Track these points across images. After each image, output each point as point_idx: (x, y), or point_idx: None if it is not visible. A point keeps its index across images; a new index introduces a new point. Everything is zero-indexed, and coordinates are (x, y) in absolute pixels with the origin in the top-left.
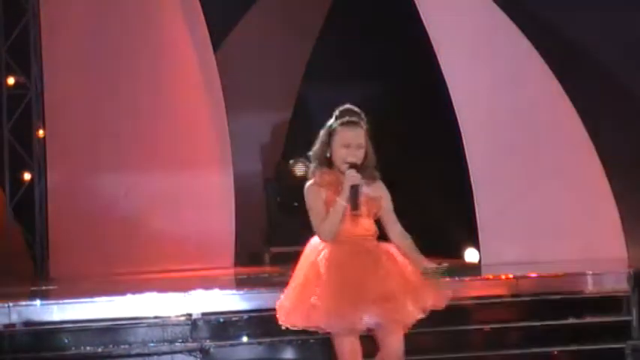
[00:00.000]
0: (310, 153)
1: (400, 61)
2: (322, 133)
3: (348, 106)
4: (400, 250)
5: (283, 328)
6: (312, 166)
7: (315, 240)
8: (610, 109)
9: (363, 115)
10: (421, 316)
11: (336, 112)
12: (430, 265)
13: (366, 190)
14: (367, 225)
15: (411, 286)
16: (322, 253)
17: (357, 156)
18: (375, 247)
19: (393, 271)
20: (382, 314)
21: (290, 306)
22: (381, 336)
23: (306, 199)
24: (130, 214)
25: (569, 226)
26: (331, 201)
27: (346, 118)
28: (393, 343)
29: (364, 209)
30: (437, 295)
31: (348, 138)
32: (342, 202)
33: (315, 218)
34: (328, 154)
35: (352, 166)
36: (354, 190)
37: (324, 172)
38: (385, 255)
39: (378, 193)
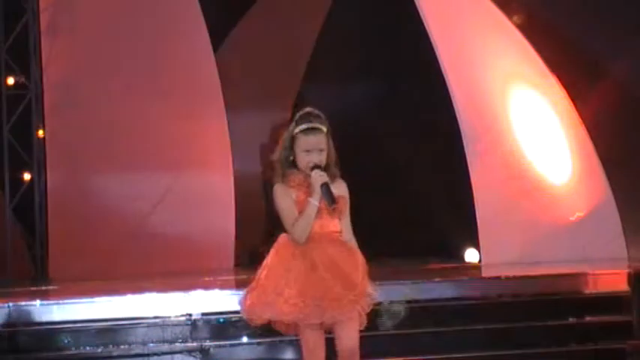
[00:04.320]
0: (273, 157)
1: (400, 60)
2: (284, 137)
3: (307, 109)
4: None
5: (250, 321)
6: (278, 168)
7: (284, 237)
8: (610, 109)
9: (323, 118)
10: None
11: (297, 117)
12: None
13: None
14: (334, 224)
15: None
16: (293, 249)
17: (319, 159)
18: (344, 244)
19: (357, 268)
20: (344, 306)
21: (259, 299)
22: (338, 331)
23: (275, 200)
24: (130, 214)
25: (569, 226)
26: (301, 201)
27: (305, 125)
28: (349, 338)
29: (334, 211)
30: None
31: (308, 144)
32: (314, 202)
33: (286, 218)
34: (292, 158)
35: (315, 167)
36: (326, 186)
37: (291, 174)
38: (353, 253)
39: (340, 191)
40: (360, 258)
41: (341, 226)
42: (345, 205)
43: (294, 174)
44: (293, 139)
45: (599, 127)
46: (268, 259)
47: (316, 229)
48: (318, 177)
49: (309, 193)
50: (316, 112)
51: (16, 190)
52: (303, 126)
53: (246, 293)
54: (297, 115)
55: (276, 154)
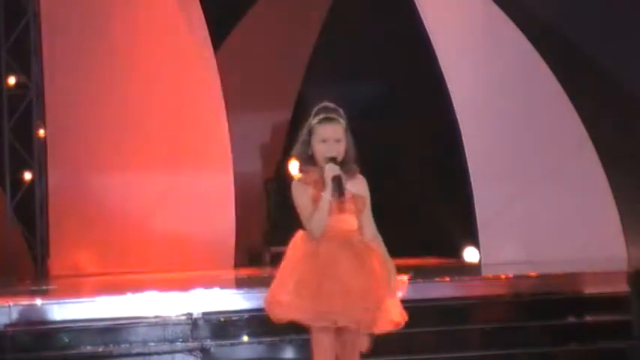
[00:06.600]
0: (292, 153)
1: (400, 61)
2: (302, 132)
3: (325, 103)
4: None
5: (276, 321)
6: (297, 165)
7: (300, 235)
8: (610, 109)
9: (341, 112)
10: (387, 328)
11: (314, 111)
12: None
13: (349, 188)
14: (351, 221)
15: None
16: (310, 248)
17: (336, 150)
18: (361, 243)
19: (377, 272)
20: (362, 313)
21: (275, 298)
22: (345, 335)
23: (293, 197)
24: (130, 214)
25: (568, 226)
26: (317, 198)
27: (322, 115)
28: (357, 344)
29: (350, 206)
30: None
31: (325, 133)
32: (327, 196)
33: (302, 214)
34: (310, 152)
35: (331, 160)
36: (337, 180)
37: (309, 171)
38: (372, 253)
39: (359, 189)
40: (375, 265)
41: (358, 224)
42: (363, 204)
43: (312, 171)
44: (311, 131)
45: (599, 127)
46: (285, 256)
47: (332, 224)
48: (331, 169)
49: (324, 189)
50: (333, 105)
51: (16, 189)
52: (320, 116)
53: (268, 291)
54: (315, 109)
55: (295, 150)
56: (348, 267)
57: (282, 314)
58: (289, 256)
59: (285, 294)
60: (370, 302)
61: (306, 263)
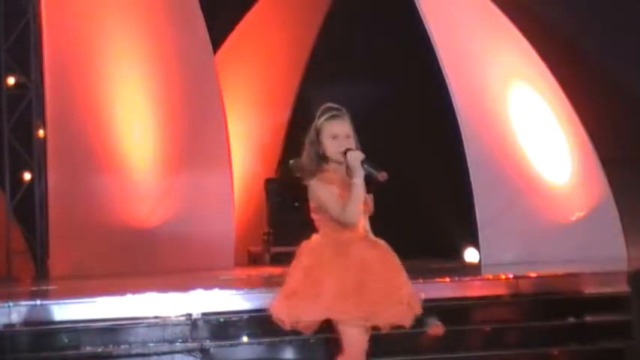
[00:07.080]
0: (302, 158)
1: (400, 61)
2: (309, 134)
3: (328, 104)
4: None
5: (285, 324)
6: (310, 166)
7: (316, 237)
8: (610, 109)
9: (345, 111)
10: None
11: (318, 112)
12: None
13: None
14: (363, 221)
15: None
16: (339, 249)
17: (348, 145)
18: (381, 241)
19: (401, 267)
20: (398, 308)
21: (301, 301)
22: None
23: (317, 195)
24: (130, 214)
25: (569, 226)
26: (343, 197)
27: (329, 113)
28: (364, 342)
29: (364, 208)
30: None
31: (335, 130)
32: (359, 181)
33: (332, 207)
34: (321, 151)
35: (348, 150)
36: (367, 162)
37: (327, 171)
38: (391, 250)
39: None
40: (398, 260)
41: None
42: (372, 205)
43: (330, 172)
44: (318, 131)
45: (599, 127)
46: (302, 261)
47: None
48: (356, 155)
49: (348, 189)
50: (337, 106)
51: (16, 189)
52: (327, 115)
53: (281, 297)
54: (320, 110)
55: (305, 153)
56: (383, 265)
57: (318, 316)
58: (313, 260)
59: (324, 295)
60: (404, 296)
61: (342, 263)
